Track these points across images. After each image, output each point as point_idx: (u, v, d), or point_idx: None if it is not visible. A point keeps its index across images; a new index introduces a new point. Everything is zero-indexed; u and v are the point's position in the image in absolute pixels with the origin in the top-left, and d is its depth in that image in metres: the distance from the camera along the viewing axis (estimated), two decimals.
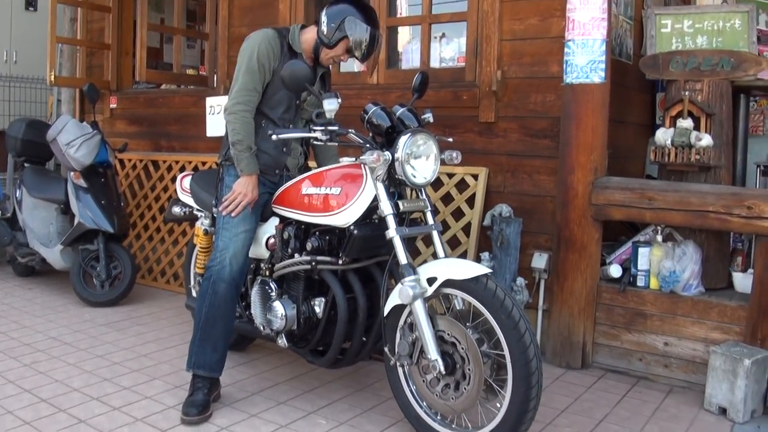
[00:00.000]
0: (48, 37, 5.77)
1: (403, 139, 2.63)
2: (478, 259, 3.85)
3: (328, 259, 2.88)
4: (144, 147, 6.02)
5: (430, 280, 2.58)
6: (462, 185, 4.05)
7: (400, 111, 2.79)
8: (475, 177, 4.00)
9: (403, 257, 2.62)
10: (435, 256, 2.80)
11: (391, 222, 2.64)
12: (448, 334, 2.59)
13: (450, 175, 4.06)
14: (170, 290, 5.48)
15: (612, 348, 3.61)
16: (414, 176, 2.68)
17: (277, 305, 3.01)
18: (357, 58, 3.01)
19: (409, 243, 2.82)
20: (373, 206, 2.74)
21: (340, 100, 2.69)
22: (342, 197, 2.80)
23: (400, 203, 2.69)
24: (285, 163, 3.22)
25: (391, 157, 2.62)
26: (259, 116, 3.11)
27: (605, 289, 3.62)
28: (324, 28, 2.96)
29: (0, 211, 6.05)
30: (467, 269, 2.52)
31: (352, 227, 2.75)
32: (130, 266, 5.01)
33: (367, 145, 2.71)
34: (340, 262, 2.86)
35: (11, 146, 5.77)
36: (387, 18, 4.43)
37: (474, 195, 3.99)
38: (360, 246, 2.79)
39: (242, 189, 3.04)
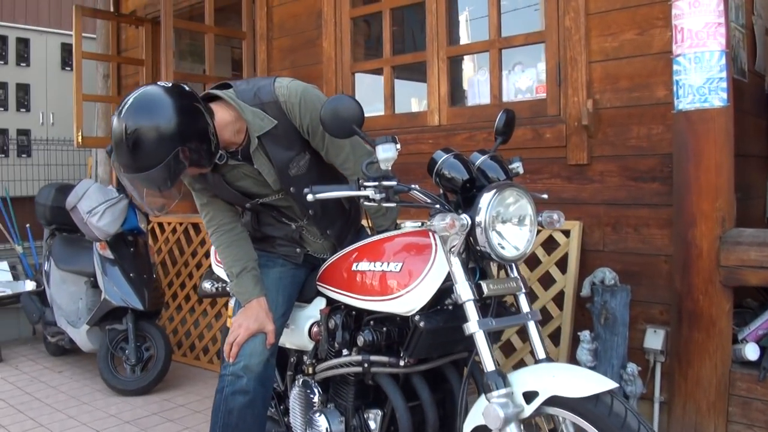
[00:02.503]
0: (74, 95, 5.35)
1: (486, 197, 1.89)
2: (576, 340, 3.08)
3: (385, 359, 2.15)
4: (184, 209, 5.42)
5: (529, 395, 1.81)
6: (550, 244, 3.29)
7: (480, 159, 2.06)
8: (567, 234, 3.24)
9: (489, 361, 1.86)
10: (533, 355, 2.03)
11: (471, 311, 1.90)
12: None
13: None
14: (214, 370, 4.84)
15: None
16: (502, 247, 1.93)
17: (320, 418, 2.28)
18: None
19: (495, 336, 2.09)
20: (447, 287, 2.01)
21: (399, 147, 1.98)
22: (404, 276, 2.08)
23: (483, 285, 1.93)
24: (300, 242, 2.58)
25: (469, 222, 1.89)
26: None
27: (739, 376, 2.79)
28: None
29: (35, 283, 5.62)
30: (582, 383, 1.75)
31: (417, 317, 2.02)
32: (164, 348, 4.47)
33: (437, 206, 1.98)
34: (402, 363, 2.13)
35: (41, 214, 5.39)
36: (447, 47, 3.77)
37: (566, 256, 3.23)
38: (428, 343, 2.05)
39: (242, 321, 2.40)
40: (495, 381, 1.82)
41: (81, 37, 5.39)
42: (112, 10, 5.93)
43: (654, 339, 3.05)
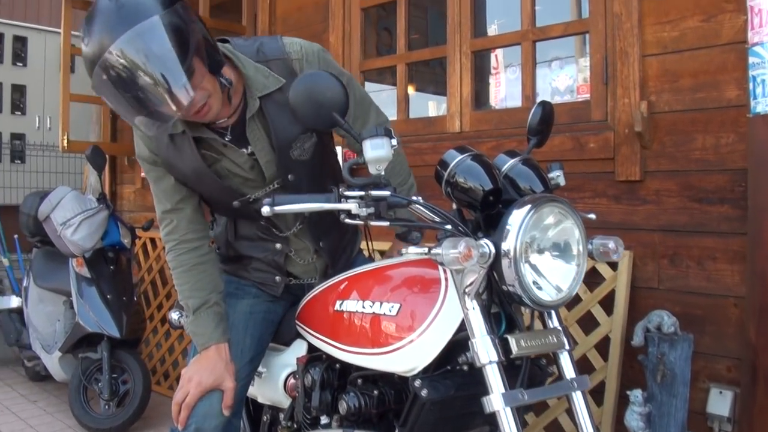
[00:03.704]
0: (60, 93, 4.92)
1: (517, 216, 1.33)
2: (623, 399, 2.50)
3: None
4: None
5: None
6: (593, 278, 2.72)
7: (508, 164, 1.52)
8: (614, 266, 2.68)
9: None
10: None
11: (494, 379, 1.33)
12: None
13: None
14: None
15: None
16: (538, 287, 1.37)
17: None
18: None
19: (526, 408, 1.52)
20: (461, 338, 1.45)
21: (395, 142, 1.43)
22: (403, 321, 1.53)
23: (510, 340, 1.38)
24: (284, 267, 2.04)
25: (493, 251, 1.34)
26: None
27: None
28: None
29: (20, 299, 5.19)
30: None
31: (418, 382, 1.45)
32: (142, 381, 3.98)
33: (447, 227, 1.43)
34: None
35: (24, 224, 4.92)
36: (472, 40, 3.23)
37: (612, 294, 2.67)
38: (434, 417, 1.49)
39: (193, 373, 1.87)
40: None
41: (70, 32, 5.04)
42: None
43: (720, 402, 2.47)
